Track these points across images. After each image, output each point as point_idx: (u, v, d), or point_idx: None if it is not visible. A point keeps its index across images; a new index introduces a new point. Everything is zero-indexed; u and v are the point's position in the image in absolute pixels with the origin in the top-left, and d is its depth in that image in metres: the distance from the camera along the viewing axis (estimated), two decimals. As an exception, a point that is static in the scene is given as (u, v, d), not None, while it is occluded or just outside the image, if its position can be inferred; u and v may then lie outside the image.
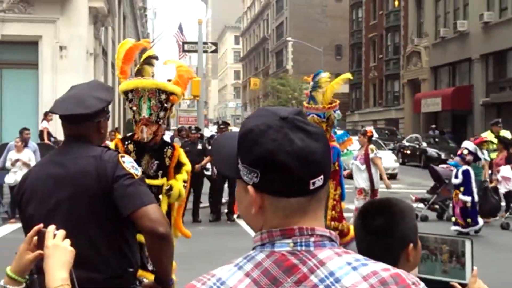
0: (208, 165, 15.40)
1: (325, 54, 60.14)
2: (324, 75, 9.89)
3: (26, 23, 20.29)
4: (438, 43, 40.82)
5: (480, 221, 12.57)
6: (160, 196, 5.51)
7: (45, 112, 17.88)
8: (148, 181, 5.27)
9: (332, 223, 9.82)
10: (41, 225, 2.31)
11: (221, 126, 17.33)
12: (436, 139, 33.35)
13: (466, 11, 37.51)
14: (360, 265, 1.44)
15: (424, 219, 14.43)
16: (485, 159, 14.52)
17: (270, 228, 1.48)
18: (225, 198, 15.99)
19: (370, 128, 13.90)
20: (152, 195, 3.25)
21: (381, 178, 13.22)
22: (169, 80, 18.77)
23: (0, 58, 21.00)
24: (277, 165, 1.42)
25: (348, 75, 11.40)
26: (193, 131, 16.28)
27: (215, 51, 25.97)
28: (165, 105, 5.56)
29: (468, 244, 2.53)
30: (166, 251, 3.04)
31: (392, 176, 26.83)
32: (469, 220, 12.29)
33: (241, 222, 12.80)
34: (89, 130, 3.21)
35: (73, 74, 18.64)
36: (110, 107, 3.49)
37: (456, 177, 12.50)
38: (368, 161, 12.96)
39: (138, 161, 5.43)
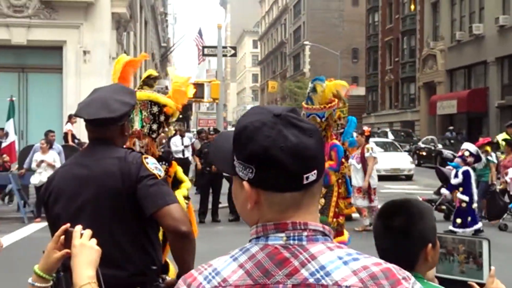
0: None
1: (342, 58, 60.22)
2: (322, 84, 10.07)
3: (51, 29, 20.61)
4: (453, 46, 40.86)
5: (479, 223, 12.60)
6: None
7: (70, 115, 18.02)
8: None
9: (334, 219, 10.14)
10: (68, 224, 2.33)
11: (211, 133, 17.18)
12: (452, 141, 33.41)
13: (482, 14, 37.55)
14: (351, 260, 1.46)
15: None
16: (492, 161, 14.52)
17: (265, 222, 1.51)
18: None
19: (367, 128, 14.03)
20: (175, 195, 3.28)
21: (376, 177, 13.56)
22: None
23: (26, 62, 21.36)
24: (271, 161, 1.45)
25: (345, 84, 11.56)
26: (211, 132, 16.62)
27: (234, 55, 26.16)
28: (159, 118, 5.25)
29: (485, 244, 2.52)
30: (188, 249, 3.06)
31: (408, 178, 26.89)
32: (458, 220, 12.19)
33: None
34: (113, 133, 3.25)
35: (96, 78, 18.79)
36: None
37: (456, 176, 12.45)
38: (364, 161, 13.19)
39: None
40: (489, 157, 14.47)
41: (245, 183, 1.51)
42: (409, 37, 50.20)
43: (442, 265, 2.56)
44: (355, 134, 13.83)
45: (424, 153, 33.33)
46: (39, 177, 14.59)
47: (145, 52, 37.96)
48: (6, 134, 17.05)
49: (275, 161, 1.45)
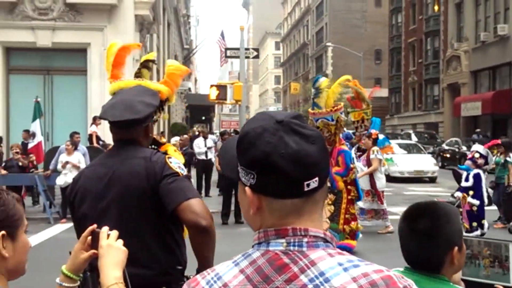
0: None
1: (365, 59, 60.06)
2: (323, 80, 10.00)
3: (75, 31, 20.83)
4: (478, 47, 40.55)
5: (485, 225, 12.49)
6: None
7: (94, 116, 18.11)
8: None
9: (345, 226, 10.08)
10: (95, 225, 2.37)
11: (233, 135, 16.92)
12: (476, 143, 33.13)
13: (507, 15, 37.24)
14: (351, 266, 1.45)
15: None
16: (511, 163, 14.35)
17: (266, 228, 1.52)
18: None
19: (375, 131, 14.00)
20: (197, 191, 3.28)
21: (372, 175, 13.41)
22: (212, 86, 19.17)
23: (51, 64, 21.60)
24: (272, 167, 1.45)
25: (346, 77, 11.50)
26: (232, 134, 16.67)
27: (257, 56, 26.13)
28: None
29: None
30: (208, 244, 3.04)
31: (432, 180, 26.75)
32: (474, 223, 12.00)
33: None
34: (138, 134, 3.29)
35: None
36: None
37: (467, 180, 12.22)
38: (370, 163, 13.21)
39: None
40: (508, 158, 14.32)
41: (247, 188, 1.52)
42: (432, 38, 49.96)
43: (469, 268, 2.53)
44: (381, 136, 13.81)
45: (448, 155, 33.18)
46: (64, 178, 14.69)
47: (167, 54, 38.20)
48: (33, 135, 17.25)
49: (275, 168, 1.45)
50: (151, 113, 3.32)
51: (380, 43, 68.03)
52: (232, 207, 15.18)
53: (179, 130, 33.07)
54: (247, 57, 24.45)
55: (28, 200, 17.16)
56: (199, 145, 20.46)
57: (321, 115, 9.74)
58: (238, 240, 12.07)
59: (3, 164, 16.18)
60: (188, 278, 3.14)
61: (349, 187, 10.28)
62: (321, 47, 78.21)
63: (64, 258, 2.36)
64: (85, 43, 20.95)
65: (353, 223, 10.40)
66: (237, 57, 23.86)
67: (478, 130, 37.00)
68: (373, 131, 13.91)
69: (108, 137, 17.53)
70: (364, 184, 13.13)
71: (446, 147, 34.05)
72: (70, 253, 2.36)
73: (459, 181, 14.80)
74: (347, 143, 15.08)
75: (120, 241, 2.28)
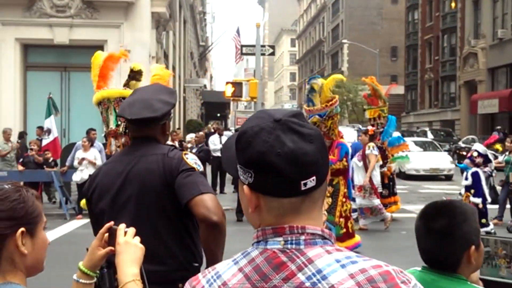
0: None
1: (381, 56, 59.86)
2: (319, 80, 9.98)
3: (92, 28, 20.97)
4: (495, 44, 40.31)
5: (491, 223, 12.36)
6: None
7: None
8: None
9: (341, 219, 10.04)
10: (112, 222, 2.36)
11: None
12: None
13: (525, 12, 37.09)
14: (349, 263, 1.45)
15: None
16: None
17: (264, 226, 1.52)
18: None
19: (371, 128, 13.95)
20: (211, 187, 3.26)
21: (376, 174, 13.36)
22: (227, 83, 19.12)
23: (68, 61, 21.78)
24: (268, 166, 1.45)
25: (341, 77, 11.49)
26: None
27: (273, 53, 26.09)
28: None
29: None
30: (218, 240, 3.02)
31: (448, 178, 26.63)
32: (483, 220, 11.98)
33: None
34: (156, 132, 3.33)
35: None
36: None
37: (466, 179, 12.34)
38: (365, 159, 13.10)
39: None
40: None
41: (245, 187, 1.52)
42: (449, 35, 49.69)
43: (487, 267, 2.49)
44: (397, 134, 13.74)
45: (464, 153, 32.83)
46: (81, 175, 14.82)
47: (183, 51, 38.28)
48: (48, 131, 17.30)
49: (271, 167, 1.44)
50: (169, 111, 3.35)
51: (396, 40, 67.77)
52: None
53: (195, 127, 33.16)
54: (263, 54, 24.43)
55: (44, 197, 17.22)
56: (214, 142, 20.49)
57: (314, 112, 9.72)
58: (251, 237, 12.08)
59: (21, 160, 16.29)
60: None
61: (342, 178, 10.23)
62: (336, 44, 78.02)
63: (80, 254, 2.36)
64: (102, 40, 21.00)
65: (350, 220, 10.35)
66: (253, 54, 23.82)
67: (498, 127, 36.67)
68: (369, 128, 13.89)
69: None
70: (359, 179, 13.12)
71: (463, 145, 33.81)
72: (87, 249, 2.37)
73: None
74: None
75: (138, 238, 2.28)
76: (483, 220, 12.05)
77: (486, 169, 13.64)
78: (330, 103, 9.79)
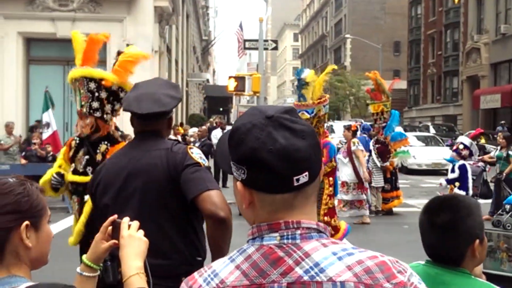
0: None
1: (383, 51, 59.79)
2: (308, 72, 9.93)
3: (95, 22, 20.73)
4: (498, 39, 40.20)
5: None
6: (86, 197, 4.79)
7: None
8: (72, 176, 5.15)
9: (325, 218, 10.03)
10: (115, 216, 2.38)
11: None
12: (495, 135, 32.97)
13: (528, 7, 36.99)
14: (345, 255, 1.46)
15: None
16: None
17: (259, 223, 1.53)
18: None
19: (354, 123, 13.92)
20: (217, 183, 3.26)
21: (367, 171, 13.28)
22: (230, 77, 19.00)
23: (71, 55, 21.08)
24: (260, 163, 1.45)
25: (333, 66, 11.39)
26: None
27: (275, 48, 26.05)
28: (99, 94, 4.95)
29: None
30: (225, 236, 3.03)
31: (449, 172, 26.77)
32: None
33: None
34: (162, 126, 3.36)
35: (139, 71, 18.77)
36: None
37: (453, 171, 12.31)
38: (351, 155, 13.02)
39: (73, 158, 5.19)
40: (510, 152, 14.11)
41: (238, 183, 1.53)
42: (452, 30, 49.60)
43: (490, 261, 2.49)
44: (399, 129, 13.72)
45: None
46: (82, 168, 14.76)
47: (186, 45, 38.23)
48: (47, 125, 17.24)
49: (263, 163, 1.45)
50: (177, 105, 3.41)
51: (399, 35, 67.66)
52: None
53: (197, 121, 33.16)
54: (266, 49, 24.41)
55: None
56: (217, 136, 20.50)
57: (303, 107, 9.67)
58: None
59: (23, 153, 16.31)
60: None
61: (330, 178, 10.21)
62: (339, 39, 77.91)
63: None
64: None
65: (334, 218, 10.32)
66: (256, 48, 23.80)
67: (503, 122, 36.65)
68: (352, 123, 13.85)
69: (125, 128, 17.67)
70: (344, 175, 13.06)
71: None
72: (90, 242, 2.38)
73: None
74: (365, 135, 15.09)
75: (141, 232, 2.29)
76: None
77: (480, 164, 13.63)
78: (319, 101, 9.77)
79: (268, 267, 1.47)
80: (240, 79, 20.70)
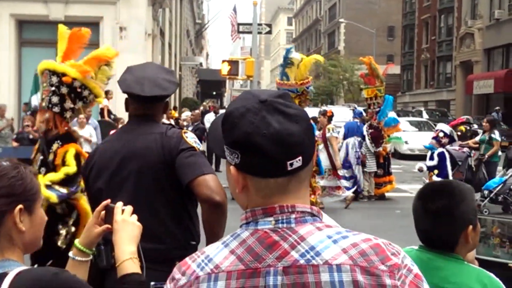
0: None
1: (377, 36, 59.66)
2: (296, 54, 9.89)
3: (88, 5, 20.71)
4: (492, 25, 40.20)
5: None
6: None
7: (106, 90, 18.27)
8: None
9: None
10: (109, 200, 2.37)
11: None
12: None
13: (522, -8, 36.93)
14: (340, 238, 1.47)
15: None
16: (495, 139, 14.14)
17: (253, 207, 1.53)
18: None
19: (329, 109, 13.87)
20: (212, 167, 3.28)
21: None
22: (223, 61, 18.86)
23: None
24: (254, 147, 1.45)
25: (320, 58, 11.38)
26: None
27: (269, 32, 25.99)
28: (59, 89, 4.75)
29: None
30: (220, 220, 3.03)
31: (442, 158, 26.83)
32: None
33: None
34: (158, 110, 3.35)
35: (132, 55, 18.64)
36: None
37: (432, 158, 12.35)
38: (326, 141, 12.98)
39: (34, 159, 4.95)
40: (492, 135, 14.21)
41: (232, 167, 1.53)
42: (446, 15, 49.55)
43: (483, 247, 2.57)
44: (393, 114, 13.72)
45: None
46: (76, 152, 14.71)
47: (180, 28, 38.05)
48: (35, 108, 17.16)
49: (257, 148, 1.45)
50: (175, 90, 3.42)
51: (393, 19, 67.49)
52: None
53: (190, 105, 33.09)
54: (260, 33, 24.35)
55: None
56: (210, 120, 20.46)
57: (287, 87, 9.63)
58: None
59: (15, 136, 16.24)
60: None
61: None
62: (333, 23, 77.70)
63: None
64: (98, 17, 20.79)
65: (312, 196, 10.29)
66: (250, 32, 23.73)
67: (497, 108, 36.75)
68: (327, 109, 13.79)
69: (119, 111, 17.64)
70: (322, 162, 12.86)
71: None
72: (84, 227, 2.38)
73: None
74: (357, 120, 15.10)
75: (135, 216, 2.29)
76: None
77: (465, 149, 13.68)
78: (302, 82, 9.72)
79: (263, 252, 1.47)
80: (233, 63, 20.64)
